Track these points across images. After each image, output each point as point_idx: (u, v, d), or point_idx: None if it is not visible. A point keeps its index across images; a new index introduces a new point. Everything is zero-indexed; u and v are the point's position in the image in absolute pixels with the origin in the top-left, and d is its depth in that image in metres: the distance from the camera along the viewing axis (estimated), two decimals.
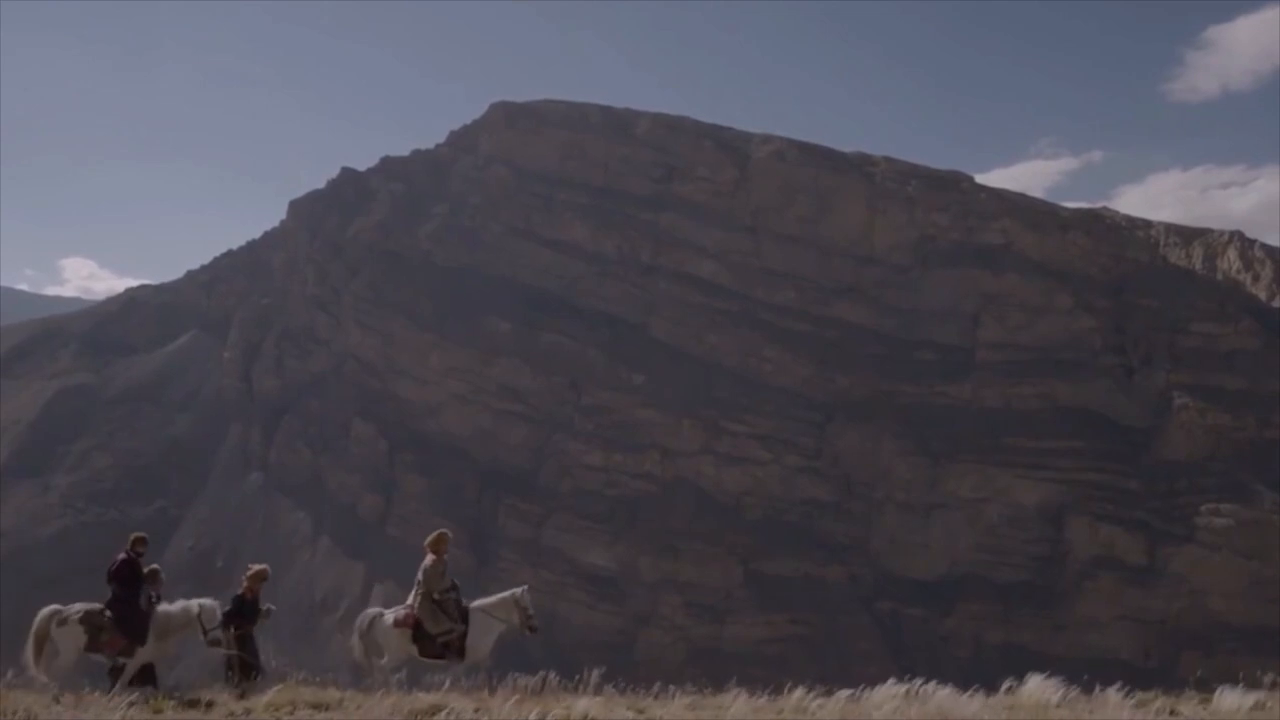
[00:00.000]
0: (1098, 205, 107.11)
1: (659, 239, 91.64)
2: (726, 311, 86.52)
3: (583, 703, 11.34)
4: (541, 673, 13.44)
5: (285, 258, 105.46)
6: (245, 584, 14.65)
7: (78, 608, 14.41)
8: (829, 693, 12.28)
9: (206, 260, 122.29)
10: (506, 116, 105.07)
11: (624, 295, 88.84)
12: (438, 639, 13.79)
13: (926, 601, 70.32)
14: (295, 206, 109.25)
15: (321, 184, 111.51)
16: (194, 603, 14.47)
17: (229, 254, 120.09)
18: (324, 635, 70.33)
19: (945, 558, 72.96)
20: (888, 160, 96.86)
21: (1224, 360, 79.37)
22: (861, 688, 12.43)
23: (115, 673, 14.08)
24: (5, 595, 70.97)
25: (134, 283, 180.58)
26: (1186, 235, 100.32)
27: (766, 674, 13.74)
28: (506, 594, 14.32)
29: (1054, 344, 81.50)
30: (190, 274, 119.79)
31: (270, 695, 12.34)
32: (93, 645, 14.09)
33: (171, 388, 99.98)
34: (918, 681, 12.25)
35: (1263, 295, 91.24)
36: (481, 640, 13.93)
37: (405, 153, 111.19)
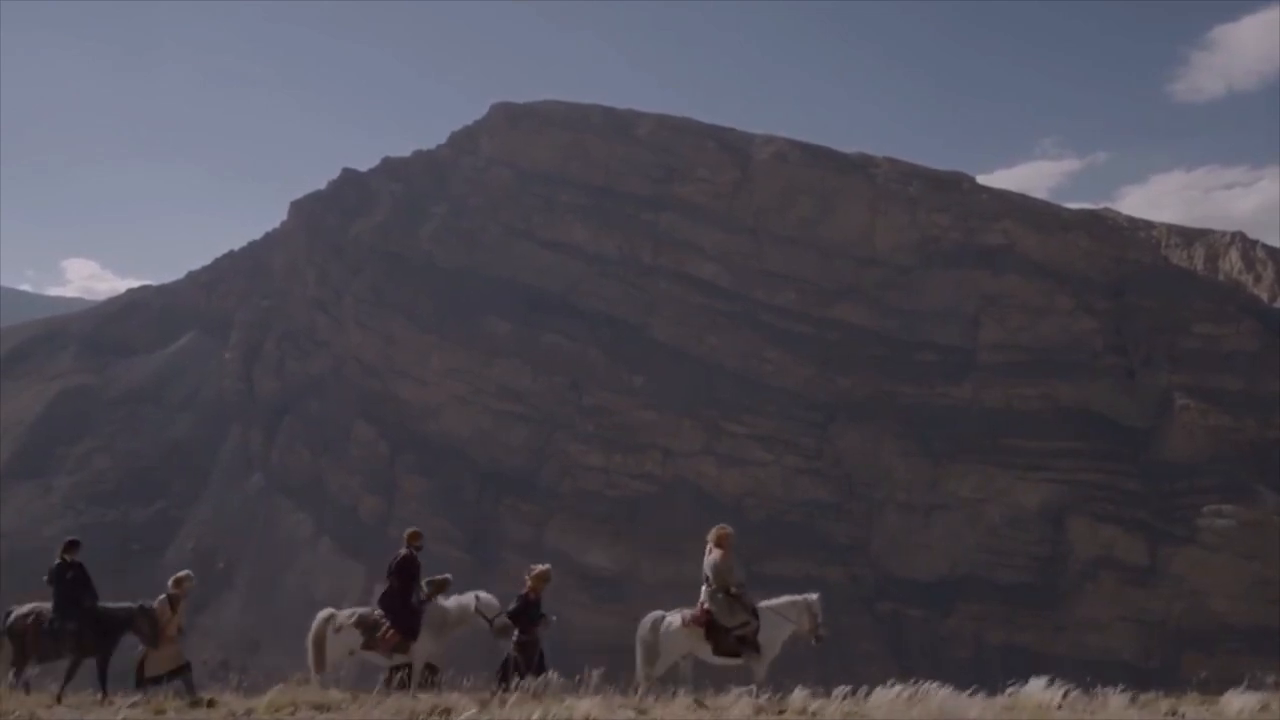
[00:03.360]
0: (1100, 206, 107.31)
1: (660, 240, 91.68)
2: (727, 312, 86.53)
3: (584, 703, 11.35)
4: (544, 673, 13.45)
5: (286, 259, 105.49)
6: (529, 584, 14.23)
7: (350, 611, 14.48)
8: (830, 693, 12.29)
9: (207, 261, 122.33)
10: (508, 117, 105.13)
11: (625, 296, 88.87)
12: (733, 632, 13.53)
13: (927, 602, 70.32)
14: (296, 207, 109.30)
15: (322, 184, 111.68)
16: (469, 596, 14.28)
17: (230, 255, 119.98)
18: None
19: (946, 558, 72.95)
20: (889, 161, 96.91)
21: (1225, 361, 79.34)
22: (864, 689, 12.43)
23: (395, 672, 13.92)
24: (5, 596, 71.01)
25: (135, 283, 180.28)
26: (1188, 236, 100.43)
27: (769, 675, 13.72)
28: (798, 598, 14.14)
29: (1055, 345, 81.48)
30: (191, 275, 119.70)
31: (271, 695, 12.34)
32: (368, 645, 14.05)
33: (172, 389, 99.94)
34: (919, 683, 12.24)
35: (1264, 296, 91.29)
36: (774, 637, 13.70)
37: (406, 153, 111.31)
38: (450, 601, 14.34)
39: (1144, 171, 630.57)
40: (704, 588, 13.93)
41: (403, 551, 14.51)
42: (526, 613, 13.94)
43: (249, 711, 11.76)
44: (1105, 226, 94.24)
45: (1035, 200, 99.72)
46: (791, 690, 12.51)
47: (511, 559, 73.56)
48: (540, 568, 14.59)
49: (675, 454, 78.68)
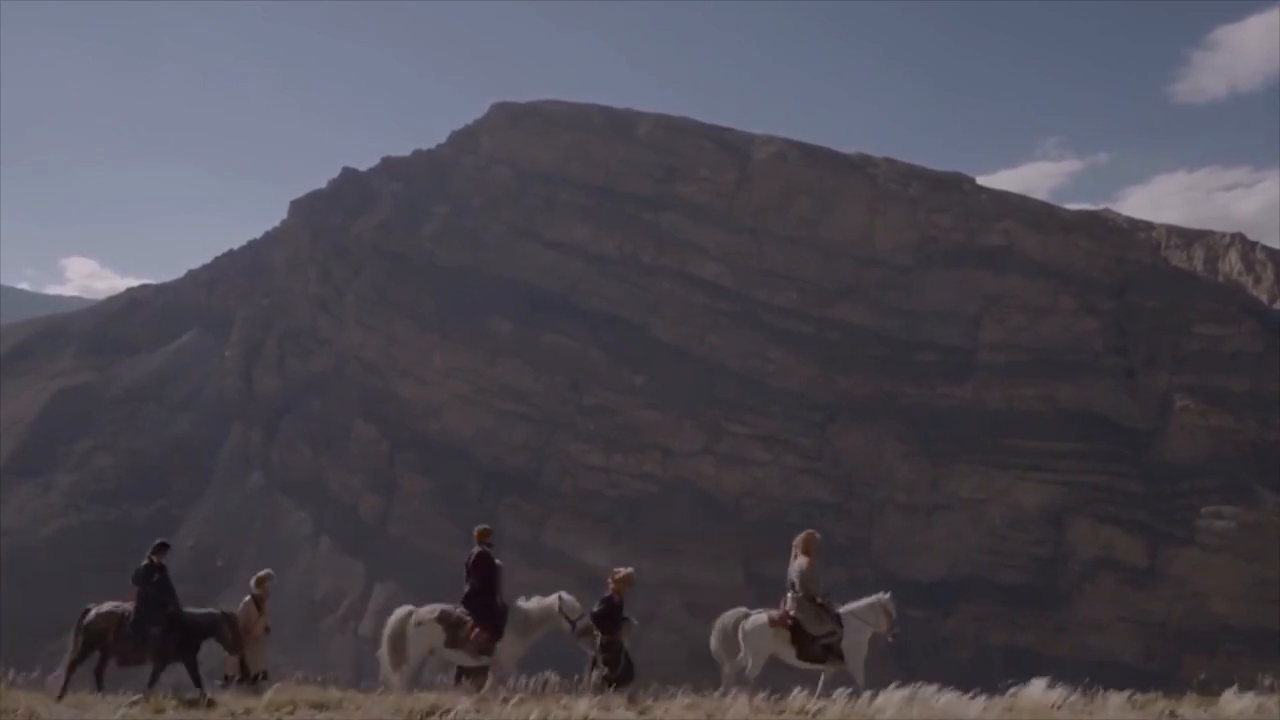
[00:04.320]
0: (1100, 207, 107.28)
1: (660, 240, 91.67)
2: (729, 313, 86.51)
3: (583, 703, 11.34)
4: (543, 673, 13.43)
5: (287, 257, 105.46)
6: (612, 586, 13.97)
7: (432, 607, 14.14)
8: (830, 694, 12.28)
9: (208, 260, 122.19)
10: (508, 117, 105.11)
11: (626, 296, 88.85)
12: (819, 640, 13.60)
13: (928, 603, 70.23)
14: (296, 206, 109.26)
15: (323, 184, 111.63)
16: (551, 597, 14.07)
17: (230, 254, 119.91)
18: (324, 635, 70.37)
19: (947, 559, 72.92)
20: (889, 161, 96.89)
21: (1226, 362, 79.32)
22: (866, 689, 12.41)
23: (467, 673, 13.68)
24: (5, 595, 71.00)
25: (135, 282, 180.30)
26: (1188, 237, 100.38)
27: (767, 675, 13.72)
28: (872, 599, 14.27)
29: (1056, 345, 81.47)
30: (191, 273, 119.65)
31: (270, 694, 12.34)
32: (452, 642, 13.77)
33: (173, 387, 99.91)
34: (920, 684, 12.25)
35: (1264, 297, 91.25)
36: (858, 642, 13.83)
37: (406, 153, 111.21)
38: (532, 602, 14.14)
39: (1146, 172, 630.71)
40: (789, 594, 13.91)
41: (476, 549, 14.23)
42: (611, 615, 13.75)
43: (248, 710, 11.75)
44: (1105, 227, 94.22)
45: (1035, 201, 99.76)
46: (790, 691, 12.49)
47: (512, 558, 73.44)
48: (624, 570, 14.35)
49: (675, 454, 78.65)
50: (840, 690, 12.17)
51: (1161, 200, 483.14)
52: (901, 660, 60.82)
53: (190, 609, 14.25)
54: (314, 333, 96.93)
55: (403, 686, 13.50)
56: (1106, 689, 13.02)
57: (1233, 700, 12.18)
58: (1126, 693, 12.92)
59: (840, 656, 13.61)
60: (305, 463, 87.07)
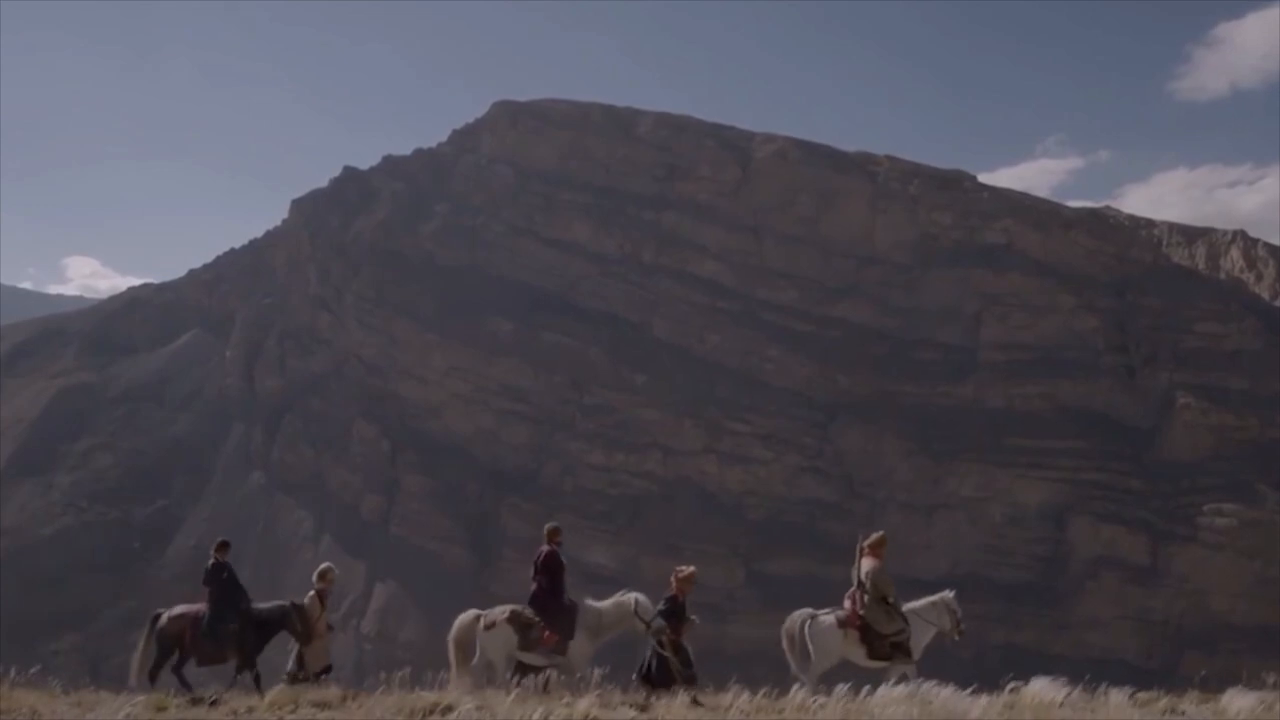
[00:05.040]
0: (1101, 205, 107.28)
1: (661, 239, 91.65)
2: (728, 311, 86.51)
3: (584, 702, 11.33)
4: (544, 672, 13.41)
5: (287, 257, 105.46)
6: (675, 585, 13.86)
7: (502, 608, 13.84)
8: (830, 692, 12.26)
9: (209, 259, 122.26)
10: (509, 115, 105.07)
11: (626, 295, 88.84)
12: (888, 639, 13.70)
13: None
14: (297, 205, 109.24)
15: (324, 182, 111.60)
16: (628, 597, 13.90)
17: (231, 253, 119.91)
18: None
19: (947, 557, 72.91)
20: (890, 159, 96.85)
21: (1227, 360, 79.32)
22: (866, 687, 12.41)
23: (527, 671, 13.39)
24: (6, 595, 71.05)
25: (136, 281, 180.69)
26: (1189, 235, 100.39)
27: (769, 674, 13.71)
28: (935, 598, 14.27)
29: (1056, 344, 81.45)
30: (192, 273, 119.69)
31: (272, 693, 12.35)
32: (524, 644, 13.53)
33: (173, 387, 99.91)
34: (920, 682, 12.24)
35: (1265, 295, 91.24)
36: (920, 641, 13.91)
37: (407, 151, 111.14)
38: (606, 603, 13.95)
39: (1147, 170, 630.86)
40: (857, 594, 13.93)
41: (545, 548, 14.00)
42: (675, 615, 13.61)
43: (250, 709, 11.75)
44: (1106, 225, 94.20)
45: (1035, 199, 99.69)
46: (790, 689, 12.48)
47: (513, 557, 73.64)
48: (687, 569, 14.20)
49: (676, 453, 78.66)
50: (839, 686, 12.16)
51: (1162, 198, 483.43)
52: None
53: (259, 604, 14.31)
54: (314, 332, 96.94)
55: (465, 686, 13.27)
56: (1107, 687, 13.01)
57: (1236, 698, 12.15)
58: (1128, 690, 12.90)
59: (908, 653, 13.70)
60: (305, 462, 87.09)
